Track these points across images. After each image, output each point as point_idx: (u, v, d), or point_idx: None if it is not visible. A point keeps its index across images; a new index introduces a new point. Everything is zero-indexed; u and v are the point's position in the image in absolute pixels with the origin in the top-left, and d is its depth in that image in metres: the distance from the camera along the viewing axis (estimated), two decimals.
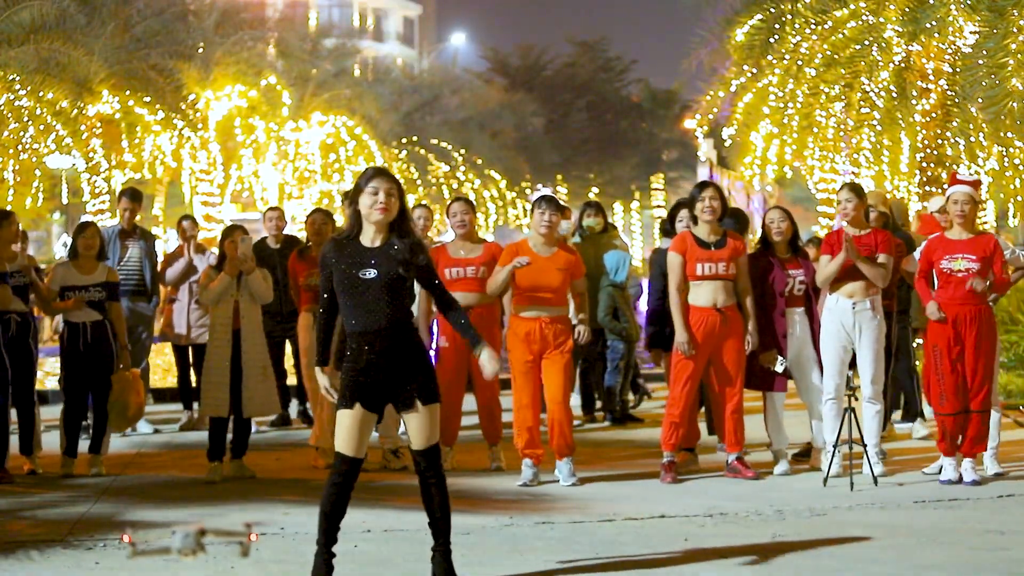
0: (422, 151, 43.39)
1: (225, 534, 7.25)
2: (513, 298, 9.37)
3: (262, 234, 12.51)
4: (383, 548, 7.27)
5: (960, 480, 9.01)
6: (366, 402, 6.32)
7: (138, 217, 12.46)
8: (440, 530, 6.37)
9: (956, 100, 16.06)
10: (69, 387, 10.07)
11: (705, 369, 9.44)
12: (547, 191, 37.65)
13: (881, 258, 9.39)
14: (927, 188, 16.67)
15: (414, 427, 6.34)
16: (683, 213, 10.03)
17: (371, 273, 6.27)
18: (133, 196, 12.38)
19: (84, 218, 18.32)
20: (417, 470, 6.40)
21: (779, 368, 9.41)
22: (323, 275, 6.43)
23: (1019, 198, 17.90)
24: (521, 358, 9.22)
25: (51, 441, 10.27)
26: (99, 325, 10.01)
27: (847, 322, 9.38)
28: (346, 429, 6.33)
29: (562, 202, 9.88)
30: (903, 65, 16.06)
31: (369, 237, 6.37)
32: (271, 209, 12.94)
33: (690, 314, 9.29)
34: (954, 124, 16.34)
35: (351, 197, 6.47)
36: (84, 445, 10.19)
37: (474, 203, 11.58)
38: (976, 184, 9.39)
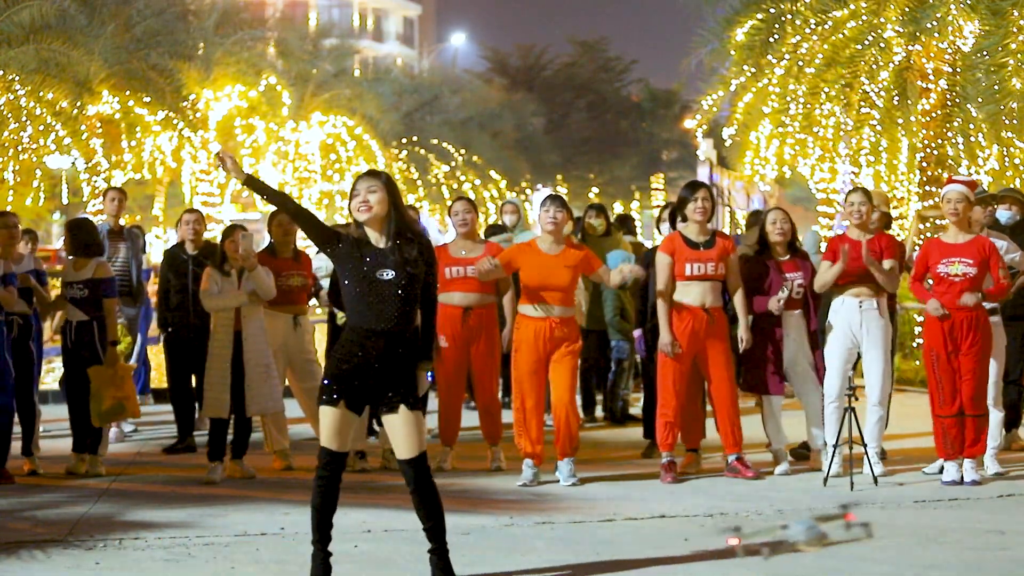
0: (422, 151, 43.35)
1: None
2: (521, 298, 9.37)
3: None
4: (383, 548, 7.27)
5: (961, 480, 9.01)
6: (350, 401, 6.33)
7: (124, 220, 12.45)
8: (436, 534, 6.36)
9: (956, 100, 16.03)
10: (69, 385, 10.06)
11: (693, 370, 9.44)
12: (547, 191, 37.64)
13: (887, 263, 9.37)
14: (927, 188, 16.64)
15: (400, 435, 6.33)
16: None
17: (389, 274, 6.29)
18: (121, 190, 12.50)
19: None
20: (406, 480, 6.37)
21: (783, 294, 9.38)
22: (330, 250, 6.40)
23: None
24: (529, 358, 9.19)
25: (50, 441, 10.25)
26: (84, 325, 9.92)
27: (854, 321, 9.36)
28: (330, 425, 6.34)
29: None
30: (903, 65, 16.03)
31: (374, 238, 6.38)
32: (189, 211, 11.77)
33: (677, 313, 9.28)
34: (954, 124, 16.32)
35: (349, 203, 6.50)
36: None
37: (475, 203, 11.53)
38: (972, 185, 9.36)
